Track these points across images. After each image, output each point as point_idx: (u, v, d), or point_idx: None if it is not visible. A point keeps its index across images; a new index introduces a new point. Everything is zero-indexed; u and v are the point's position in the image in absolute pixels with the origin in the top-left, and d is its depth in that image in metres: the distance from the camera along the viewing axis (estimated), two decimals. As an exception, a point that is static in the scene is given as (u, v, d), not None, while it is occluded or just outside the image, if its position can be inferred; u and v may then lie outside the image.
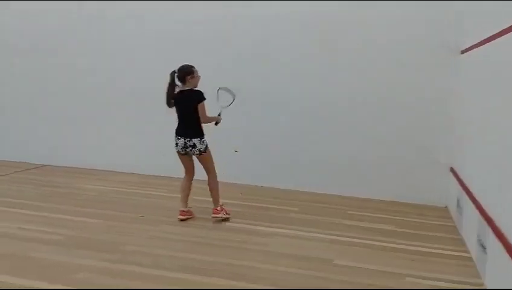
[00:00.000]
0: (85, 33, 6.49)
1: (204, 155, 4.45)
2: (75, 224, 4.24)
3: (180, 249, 3.71)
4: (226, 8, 5.87)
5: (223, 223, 4.42)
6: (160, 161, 5.97)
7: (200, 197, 4.79)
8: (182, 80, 4.38)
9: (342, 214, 4.88)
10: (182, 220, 4.45)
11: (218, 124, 4.65)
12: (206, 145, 4.45)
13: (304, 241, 4.02)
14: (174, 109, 4.44)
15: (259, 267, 3.39)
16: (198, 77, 4.44)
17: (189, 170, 4.56)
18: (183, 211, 4.49)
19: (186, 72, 4.37)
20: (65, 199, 5.08)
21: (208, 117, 4.46)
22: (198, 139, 4.39)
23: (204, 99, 4.38)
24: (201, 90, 4.41)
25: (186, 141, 4.37)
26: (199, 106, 4.36)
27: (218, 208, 4.50)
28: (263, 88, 5.88)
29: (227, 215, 4.54)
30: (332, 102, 5.67)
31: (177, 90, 4.40)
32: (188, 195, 4.56)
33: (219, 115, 4.64)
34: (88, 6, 6.40)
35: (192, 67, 4.44)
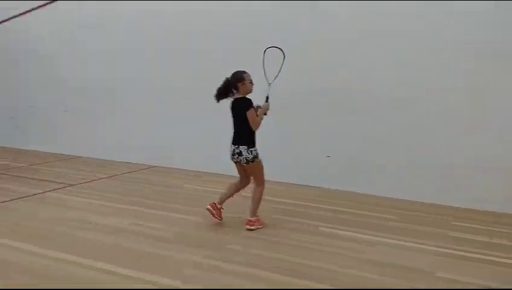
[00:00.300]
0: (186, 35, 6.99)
1: (250, 165, 4.32)
2: (181, 221, 4.55)
3: (276, 251, 3.80)
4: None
5: (320, 228, 4.44)
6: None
7: (298, 202, 4.85)
8: (234, 87, 4.28)
9: (445, 225, 4.63)
10: (208, 209, 4.45)
11: (267, 112, 4.40)
12: (255, 156, 4.30)
13: (405, 251, 3.88)
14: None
15: (354, 274, 3.35)
16: (249, 84, 4.27)
17: (242, 179, 4.53)
18: (214, 205, 4.48)
19: (236, 79, 4.27)
20: (172, 197, 5.48)
21: (258, 122, 4.27)
22: (245, 147, 4.28)
23: (251, 107, 4.23)
24: (250, 98, 4.27)
25: (234, 148, 4.33)
26: (247, 114, 4.22)
27: (253, 219, 4.39)
28: (349, 91, 5.83)
29: (261, 227, 4.41)
30: (425, 104, 5.44)
31: (234, 97, 4.32)
32: (229, 196, 4.55)
33: (266, 100, 4.39)
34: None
35: (243, 73, 4.30)
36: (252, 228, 4.36)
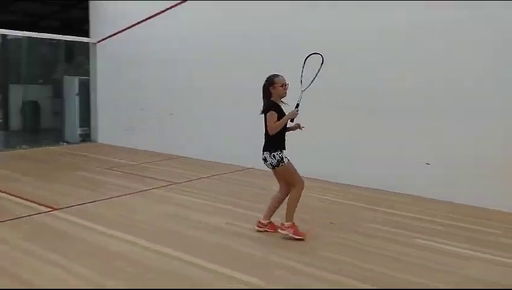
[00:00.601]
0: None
1: (277, 170, 4.21)
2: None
3: (367, 261, 3.75)
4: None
5: (416, 240, 4.28)
6: (341, 169, 6.23)
7: (393, 211, 4.73)
8: (269, 92, 4.16)
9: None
10: (258, 231, 4.38)
11: (297, 128, 4.25)
12: (279, 160, 4.14)
13: (510, 269, 3.60)
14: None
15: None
16: (280, 87, 4.11)
17: (280, 187, 4.39)
18: (261, 223, 4.40)
19: (268, 83, 4.16)
20: (265, 199, 5.65)
21: (274, 126, 4.05)
22: (268, 152, 4.17)
23: (271, 110, 4.06)
24: (275, 102, 4.14)
25: (262, 154, 4.25)
26: (266, 117, 4.10)
27: (286, 224, 4.20)
28: (449, 96, 5.54)
29: (295, 236, 4.15)
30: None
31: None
32: (273, 209, 4.40)
33: (296, 106, 4.12)
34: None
35: (274, 76, 4.15)
36: (283, 232, 4.21)
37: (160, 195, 5.80)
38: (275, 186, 6.28)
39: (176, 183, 6.46)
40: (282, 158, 4.17)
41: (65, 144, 10.26)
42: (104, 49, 10.18)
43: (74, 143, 10.42)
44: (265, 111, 4.13)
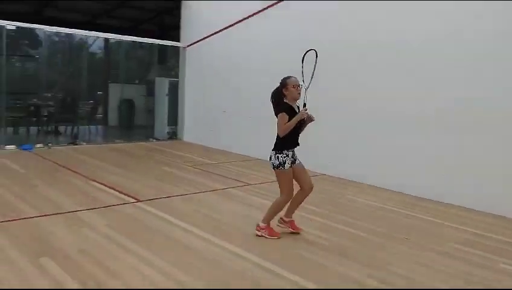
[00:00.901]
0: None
1: (276, 171, 4.22)
2: (343, 233, 4.60)
3: (444, 281, 3.54)
4: None
5: (502, 265, 3.95)
6: (429, 182, 5.92)
7: (481, 232, 4.40)
8: (283, 94, 4.24)
9: None
10: (278, 225, 4.46)
11: (309, 121, 4.27)
12: (280, 163, 4.16)
13: None
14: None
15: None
16: (292, 88, 4.16)
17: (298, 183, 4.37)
18: (282, 219, 4.47)
19: (281, 86, 4.24)
20: (337, 208, 5.58)
21: (284, 128, 4.11)
22: (274, 151, 4.21)
23: (282, 111, 4.12)
24: (287, 103, 4.24)
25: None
26: (277, 117, 4.15)
27: (261, 225, 4.31)
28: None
29: (269, 237, 4.25)
30: None
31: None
32: (294, 207, 4.46)
33: (304, 105, 4.19)
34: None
35: (287, 78, 4.21)
36: (258, 233, 4.31)
37: (235, 195, 5.98)
38: (348, 194, 6.24)
39: (251, 184, 6.60)
40: (284, 162, 4.21)
41: (154, 140, 10.96)
42: (193, 53, 10.73)
43: (162, 140, 11.10)
44: (277, 113, 4.21)
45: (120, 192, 5.73)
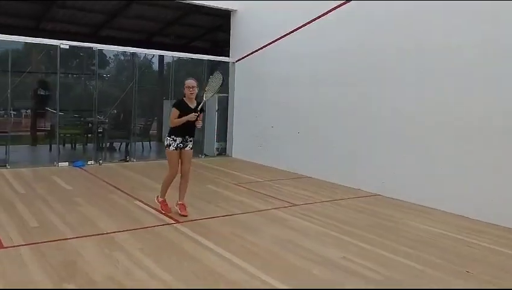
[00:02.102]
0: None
1: (165, 150, 5.46)
2: (396, 264, 4.10)
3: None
4: None
5: None
6: (498, 208, 5.22)
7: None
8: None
9: None
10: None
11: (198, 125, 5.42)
12: (167, 145, 5.40)
13: None
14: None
15: None
16: (185, 89, 5.34)
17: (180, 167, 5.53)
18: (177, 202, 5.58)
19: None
20: (390, 233, 5.05)
21: (172, 121, 5.31)
22: (167, 135, 5.44)
23: (174, 106, 5.36)
24: (181, 100, 5.37)
25: None
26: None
27: (159, 199, 5.67)
28: None
29: (161, 210, 5.55)
30: None
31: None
32: (181, 191, 5.61)
33: (196, 111, 5.28)
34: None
35: (186, 79, 5.41)
36: (156, 201, 5.69)
37: (278, 217, 5.63)
38: (403, 218, 5.68)
39: (297, 205, 6.22)
40: (170, 145, 5.37)
41: (203, 156, 10.88)
42: (241, 68, 10.60)
43: (211, 156, 11.00)
44: (172, 106, 5.41)
45: (160, 212, 5.57)
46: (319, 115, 8.25)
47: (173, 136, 5.36)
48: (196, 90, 5.36)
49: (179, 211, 5.49)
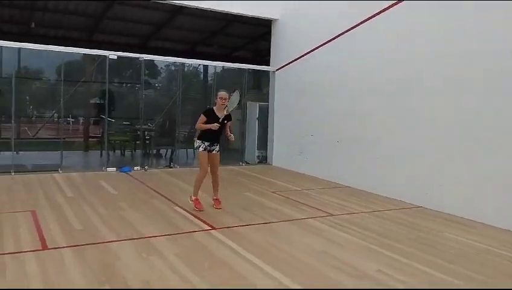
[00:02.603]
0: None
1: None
2: (433, 279, 3.96)
3: None
4: None
5: None
6: None
7: None
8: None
9: None
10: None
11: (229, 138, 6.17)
12: (196, 147, 6.10)
13: None
14: None
15: None
16: (217, 100, 6.04)
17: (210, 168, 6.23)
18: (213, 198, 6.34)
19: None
20: (430, 247, 4.88)
21: (198, 125, 6.03)
22: (196, 139, 6.16)
23: (203, 112, 6.06)
24: (211, 108, 6.14)
25: None
26: None
27: (192, 198, 6.19)
28: None
29: (195, 208, 6.07)
30: None
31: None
32: (214, 188, 6.34)
33: (218, 121, 5.92)
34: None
35: (218, 91, 6.12)
36: (190, 202, 6.19)
37: (314, 227, 5.59)
38: (446, 231, 5.47)
39: (334, 215, 6.15)
40: (199, 146, 6.07)
41: (244, 164, 11.00)
42: (281, 76, 10.66)
43: (252, 164, 11.09)
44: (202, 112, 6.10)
45: (198, 218, 5.70)
46: (360, 124, 8.14)
47: (202, 140, 6.07)
48: (227, 102, 6.01)
49: (214, 206, 6.25)
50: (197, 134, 6.15)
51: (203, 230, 5.22)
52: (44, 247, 4.38)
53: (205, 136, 6.03)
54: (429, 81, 6.78)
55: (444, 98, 6.54)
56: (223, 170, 9.81)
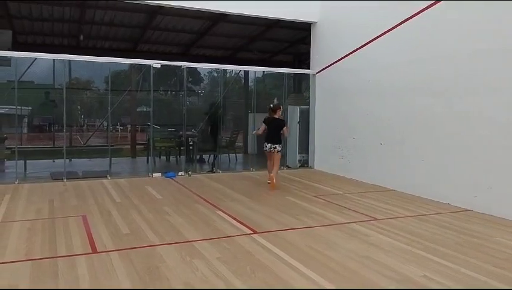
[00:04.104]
0: None
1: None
2: (479, 284, 3.81)
3: None
4: None
5: None
6: None
7: None
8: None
9: None
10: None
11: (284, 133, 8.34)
12: (263, 146, 8.34)
13: None
14: None
15: None
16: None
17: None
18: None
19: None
20: (478, 252, 4.68)
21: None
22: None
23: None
24: (268, 117, 8.29)
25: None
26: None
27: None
28: None
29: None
30: None
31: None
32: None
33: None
34: None
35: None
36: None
37: (357, 231, 5.51)
38: (496, 236, 5.23)
39: (378, 219, 6.04)
40: (264, 146, 8.31)
41: (286, 168, 11.00)
42: (322, 79, 10.60)
43: (294, 168, 11.08)
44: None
45: (240, 222, 5.77)
46: (403, 126, 7.95)
47: (265, 142, 8.25)
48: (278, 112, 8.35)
49: (268, 181, 8.30)
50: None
51: (245, 234, 5.27)
52: (94, 250, 4.59)
53: (265, 137, 8.40)
54: (478, 80, 6.52)
55: (495, 98, 6.26)
56: (264, 174, 9.94)
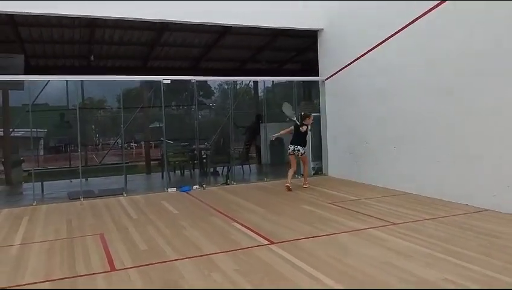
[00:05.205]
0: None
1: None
2: (502, 285, 3.74)
3: None
4: None
5: None
6: None
7: None
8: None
9: None
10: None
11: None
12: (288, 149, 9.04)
13: None
14: None
15: None
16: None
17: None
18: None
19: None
20: (499, 252, 4.57)
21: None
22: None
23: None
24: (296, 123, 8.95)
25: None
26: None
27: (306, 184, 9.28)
28: None
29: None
30: None
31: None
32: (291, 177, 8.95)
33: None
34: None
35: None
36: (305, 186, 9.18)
37: (375, 237, 5.45)
38: None
39: (395, 224, 5.96)
40: (289, 149, 8.98)
41: (300, 176, 10.93)
42: (331, 86, 10.58)
43: (308, 176, 11.00)
44: None
45: (257, 233, 5.75)
46: (416, 128, 7.86)
47: (290, 145, 8.96)
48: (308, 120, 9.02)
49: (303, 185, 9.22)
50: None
51: (262, 245, 5.25)
52: (113, 268, 4.61)
53: (291, 140, 9.14)
54: (492, 78, 6.42)
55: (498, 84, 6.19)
56: (278, 184, 9.95)
